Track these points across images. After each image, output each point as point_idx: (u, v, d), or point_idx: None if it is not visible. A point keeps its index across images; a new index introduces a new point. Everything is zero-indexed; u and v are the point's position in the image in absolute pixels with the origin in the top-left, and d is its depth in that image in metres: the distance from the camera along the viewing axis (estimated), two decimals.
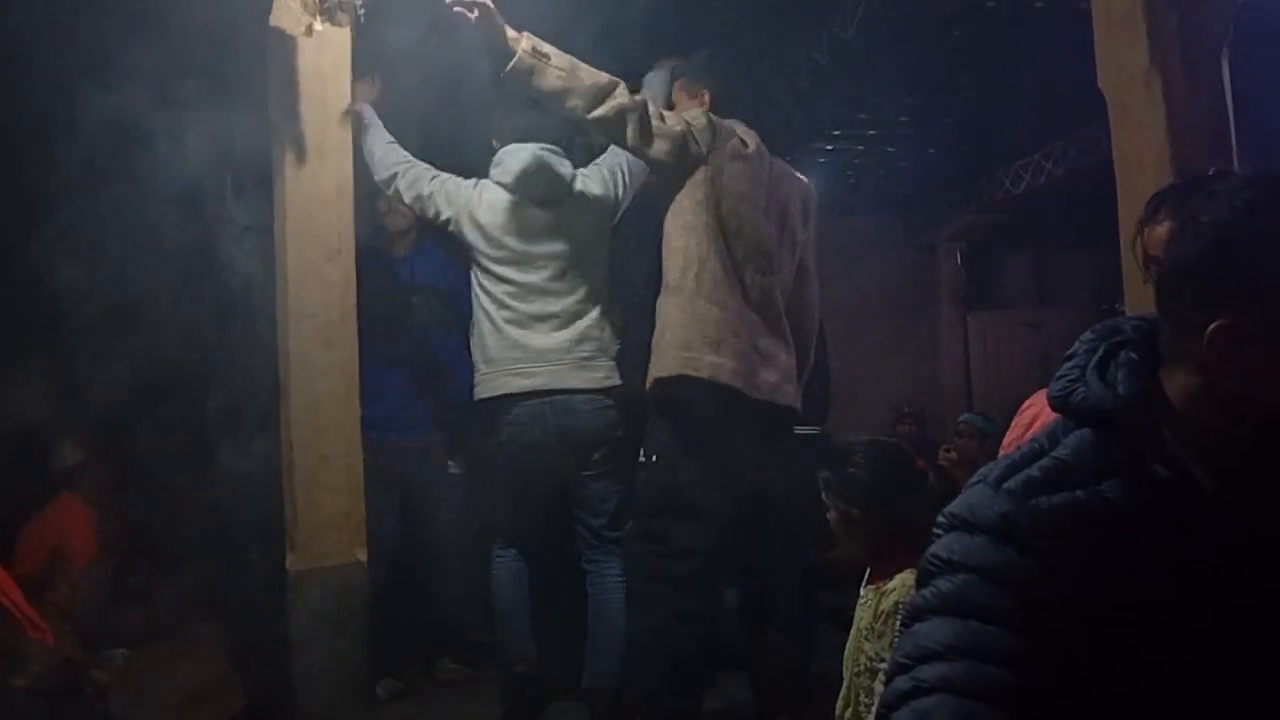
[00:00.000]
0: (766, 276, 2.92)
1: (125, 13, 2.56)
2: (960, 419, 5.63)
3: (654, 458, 2.87)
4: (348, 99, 2.98)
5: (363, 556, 2.91)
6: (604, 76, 2.74)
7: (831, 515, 2.27)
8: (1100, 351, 1.00)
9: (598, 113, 2.72)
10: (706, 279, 2.81)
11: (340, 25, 2.91)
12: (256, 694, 2.92)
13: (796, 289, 3.07)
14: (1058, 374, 1.02)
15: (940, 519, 0.99)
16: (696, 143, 2.81)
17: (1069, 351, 1.04)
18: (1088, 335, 1.04)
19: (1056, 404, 1.01)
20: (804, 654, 3.25)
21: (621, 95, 2.73)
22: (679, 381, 2.79)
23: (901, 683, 0.92)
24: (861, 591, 2.28)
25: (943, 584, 0.94)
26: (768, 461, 2.87)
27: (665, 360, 2.81)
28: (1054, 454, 0.97)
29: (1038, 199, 7.39)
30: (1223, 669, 0.88)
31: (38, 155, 2.84)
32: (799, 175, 3.16)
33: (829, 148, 7.03)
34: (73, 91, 2.74)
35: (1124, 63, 2.68)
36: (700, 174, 2.84)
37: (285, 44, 2.83)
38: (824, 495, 2.28)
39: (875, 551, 2.25)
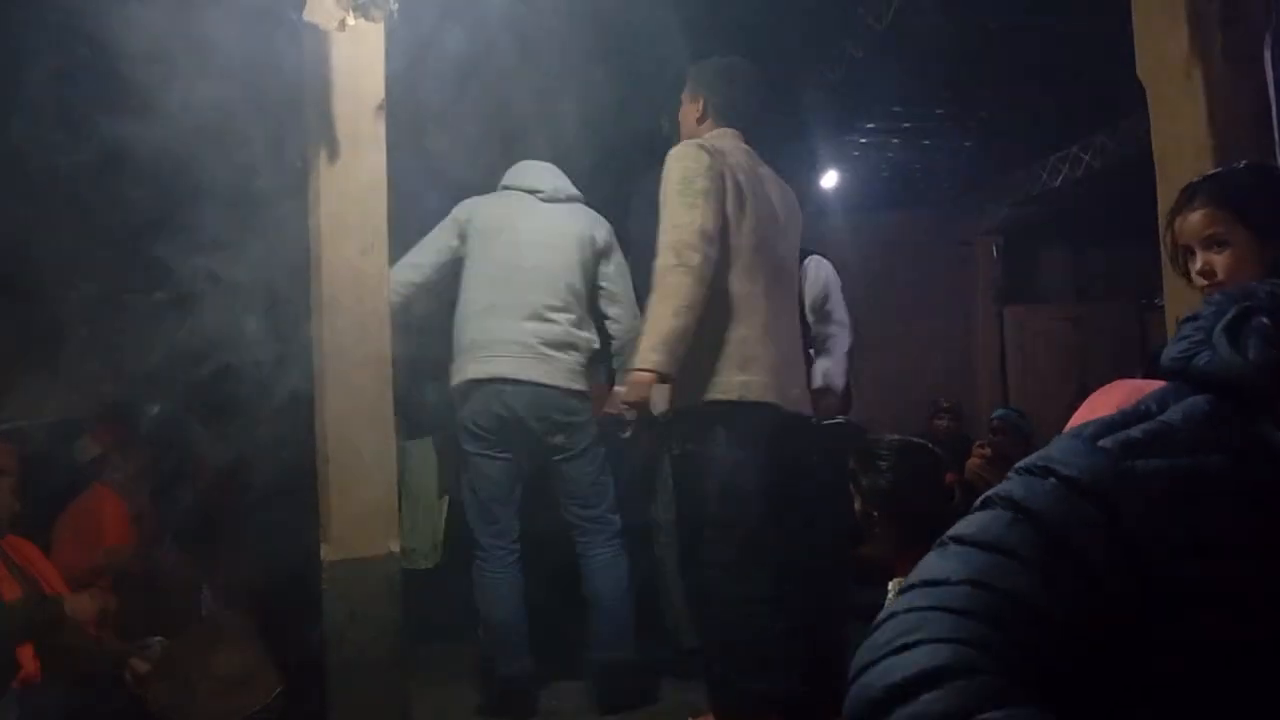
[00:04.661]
0: (785, 285, 3.03)
1: (157, 5, 2.58)
2: (994, 414, 5.59)
3: (688, 445, 2.94)
4: (381, 94, 2.99)
5: (395, 548, 2.93)
6: (672, 324, 2.77)
7: (857, 506, 2.30)
8: (1231, 314, 0.91)
9: (692, 321, 2.79)
10: (729, 300, 2.88)
11: (374, 20, 2.91)
12: (292, 681, 2.96)
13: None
14: (1177, 335, 0.94)
15: (1019, 464, 0.90)
16: (718, 193, 2.85)
17: (1190, 314, 0.96)
18: (1215, 296, 0.96)
19: (1174, 366, 0.93)
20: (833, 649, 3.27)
21: (686, 303, 2.77)
22: (709, 406, 2.87)
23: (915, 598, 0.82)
24: (890, 586, 2.29)
25: (985, 516, 0.86)
26: (799, 468, 2.97)
27: (695, 389, 2.88)
28: (1160, 417, 0.88)
29: (1075, 192, 7.29)
30: None
31: (65, 149, 2.88)
32: (782, 180, 3.22)
33: (863, 141, 6.98)
34: (102, 87, 2.77)
35: (1164, 52, 2.64)
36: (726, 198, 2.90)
37: (319, 39, 2.85)
38: (850, 486, 2.30)
39: (896, 549, 2.27)
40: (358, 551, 2.87)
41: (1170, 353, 0.94)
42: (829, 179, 7.21)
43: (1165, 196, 2.63)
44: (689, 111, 3.15)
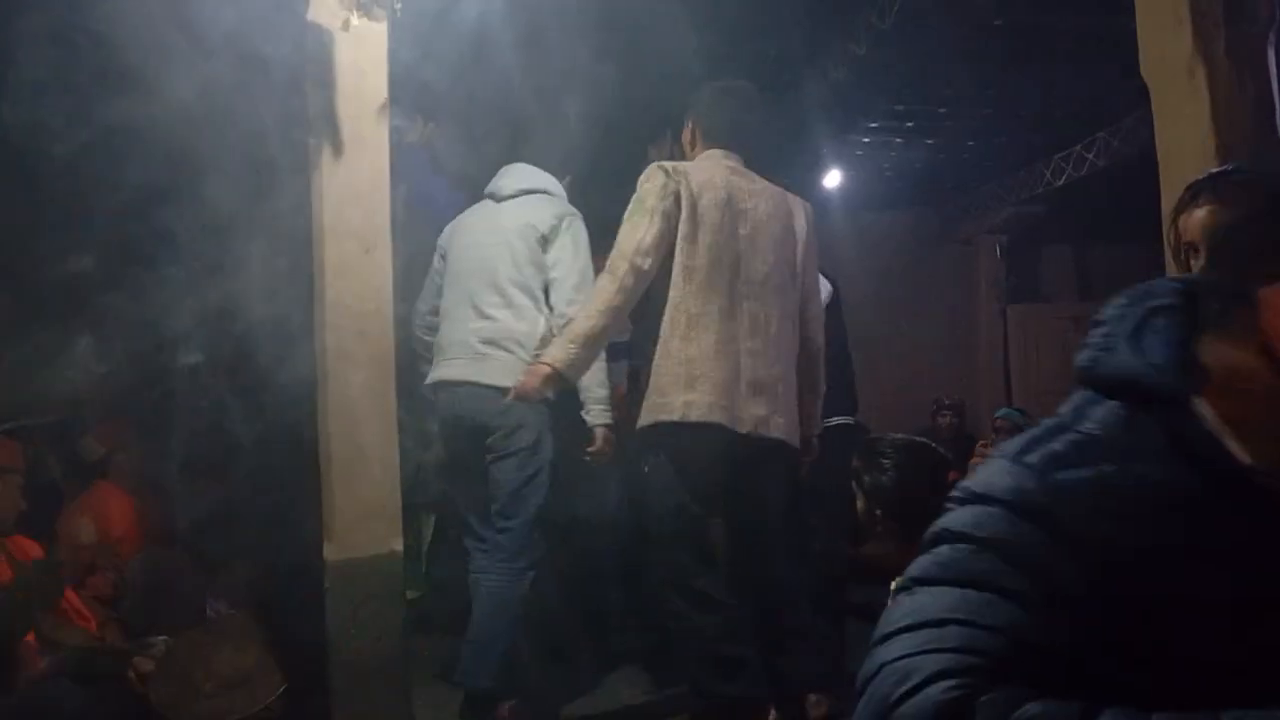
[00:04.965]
0: (759, 303, 2.99)
1: (163, 5, 2.59)
2: (997, 414, 5.60)
3: (640, 465, 3.01)
4: (384, 94, 3.00)
5: (398, 547, 2.94)
6: (583, 325, 2.87)
7: (859, 505, 2.29)
8: (1134, 318, 0.93)
9: (603, 326, 2.88)
10: (681, 319, 2.90)
11: (376, 20, 2.92)
12: (294, 680, 2.96)
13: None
14: (1084, 341, 0.96)
15: (954, 493, 0.93)
16: (665, 213, 2.89)
17: (1097, 318, 0.97)
18: (1119, 300, 0.97)
19: (1083, 375, 0.95)
20: (832, 648, 3.30)
21: (603, 310, 2.85)
22: (655, 428, 2.90)
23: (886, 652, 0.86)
24: (892, 586, 2.28)
25: (945, 552, 0.88)
26: (759, 490, 3.01)
27: (644, 409, 2.94)
28: (1078, 428, 0.91)
29: (1079, 191, 7.29)
30: (1257, 659, 0.81)
31: (70, 149, 2.89)
32: (788, 194, 3.20)
33: (866, 140, 6.96)
34: (108, 85, 2.78)
35: (1167, 51, 2.64)
36: (679, 219, 2.93)
37: (322, 38, 2.85)
38: (853, 484, 2.30)
39: (898, 548, 2.26)
40: (360, 551, 2.87)
41: (1079, 360, 0.96)
42: (832, 178, 7.20)
43: (1168, 195, 2.62)
44: (685, 136, 3.24)
